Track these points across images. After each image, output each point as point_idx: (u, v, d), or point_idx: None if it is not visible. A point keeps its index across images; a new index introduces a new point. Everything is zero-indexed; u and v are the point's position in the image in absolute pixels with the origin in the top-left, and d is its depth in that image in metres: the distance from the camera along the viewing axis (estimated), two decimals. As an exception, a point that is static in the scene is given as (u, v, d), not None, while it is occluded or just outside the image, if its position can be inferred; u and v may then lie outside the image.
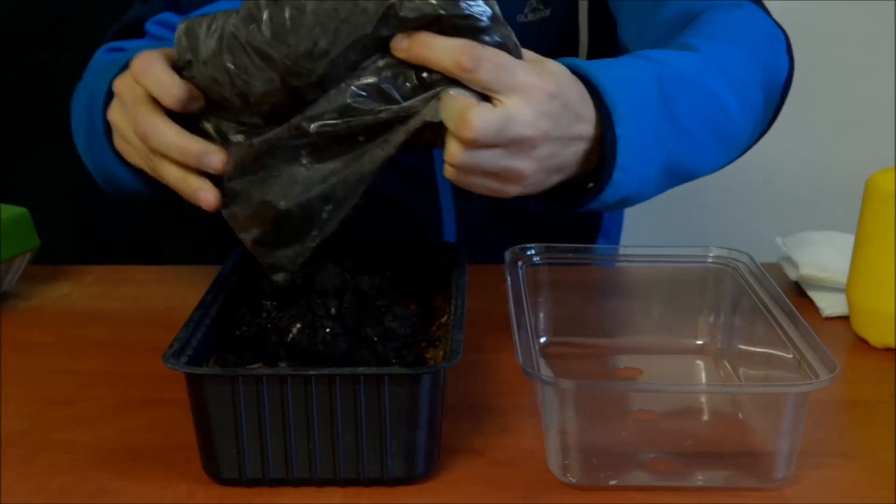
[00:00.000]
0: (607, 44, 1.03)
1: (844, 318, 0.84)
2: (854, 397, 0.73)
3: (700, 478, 0.62)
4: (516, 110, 0.61)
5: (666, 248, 0.78)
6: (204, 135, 0.66)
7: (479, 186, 0.64)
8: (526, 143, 0.62)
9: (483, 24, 0.61)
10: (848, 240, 0.86)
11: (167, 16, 0.91)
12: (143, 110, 0.65)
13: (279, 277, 0.67)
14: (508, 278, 0.73)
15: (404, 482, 0.61)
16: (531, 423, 0.68)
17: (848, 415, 0.72)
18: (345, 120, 0.61)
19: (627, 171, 0.68)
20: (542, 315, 0.79)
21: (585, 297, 0.81)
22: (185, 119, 0.66)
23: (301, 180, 0.64)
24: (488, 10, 0.61)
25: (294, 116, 0.63)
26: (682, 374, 0.77)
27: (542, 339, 0.79)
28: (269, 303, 0.70)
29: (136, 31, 0.92)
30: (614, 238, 1.17)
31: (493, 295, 0.80)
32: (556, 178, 0.67)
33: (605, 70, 0.68)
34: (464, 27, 0.60)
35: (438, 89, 0.61)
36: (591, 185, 0.69)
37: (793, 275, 0.91)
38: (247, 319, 0.70)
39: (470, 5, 0.60)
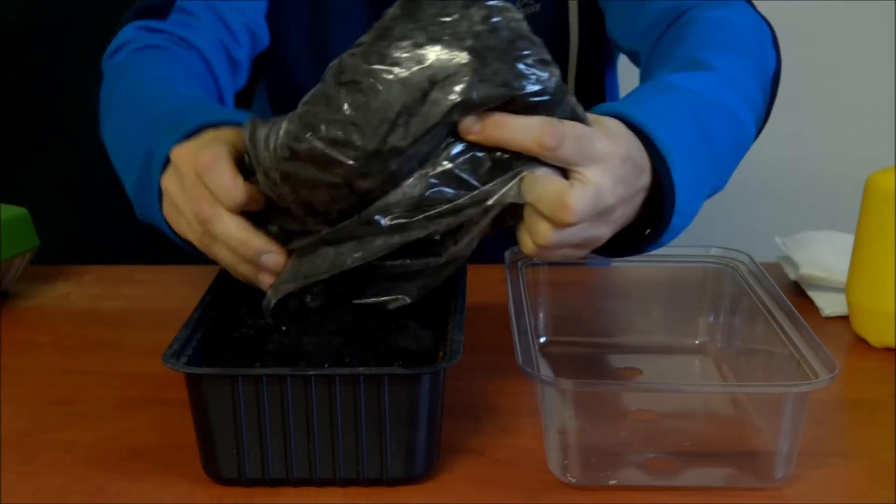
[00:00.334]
0: (597, 39, 1.03)
1: (844, 318, 0.84)
2: (854, 397, 0.73)
3: (700, 478, 0.62)
4: (601, 183, 0.60)
5: (665, 248, 0.78)
6: (266, 231, 0.63)
7: (559, 257, 0.63)
8: (607, 212, 0.61)
9: (555, 98, 0.58)
10: (848, 240, 0.86)
11: None
12: (207, 198, 0.62)
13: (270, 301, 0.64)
14: (508, 278, 0.73)
15: (404, 482, 0.61)
16: (531, 422, 0.68)
17: (848, 414, 0.72)
18: (420, 210, 0.58)
19: (684, 215, 0.68)
20: (541, 315, 0.79)
21: (585, 296, 0.81)
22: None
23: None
24: (555, 82, 0.58)
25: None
26: (682, 373, 0.77)
27: (542, 339, 0.79)
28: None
29: (160, 10, 0.92)
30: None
31: (493, 295, 0.80)
32: (619, 229, 0.66)
33: (650, 114, 0.67)
34: (536, 104, 0.58)
35: (518, 170, 0.58)
36: (649, 231, 0.68)
37: (792, 275, 0.91)
38: (247, 320, 0.70)
39: (541, 80, 0.57)
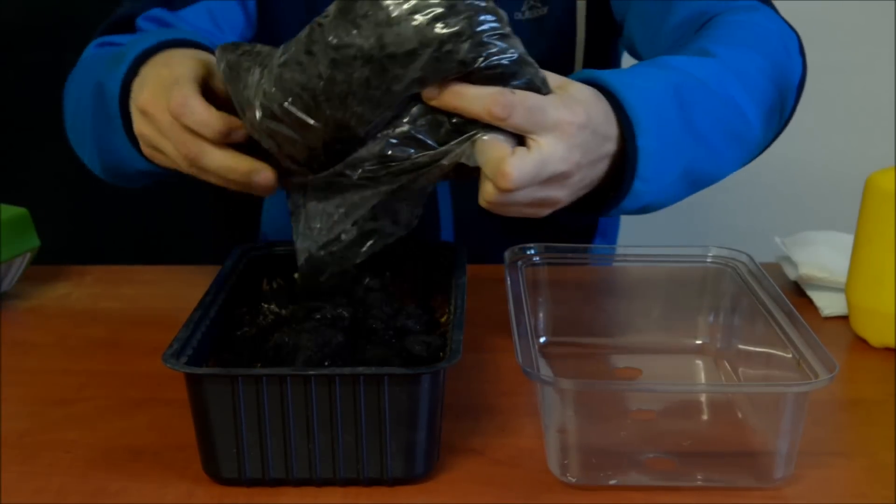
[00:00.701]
0: (604, 42, 1.03)
1: (844, 318, 0.84)
2: (853, 397, 0.73)
3: (699, 477, 0.62)
4: (550, 150, 0.62)
5: (665, 248, 0.78)
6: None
7: (513, 213, 0.66)
8: (560, 177, 0.64)
9: (511, 69, 0.62)
10: (847, 240, 0.86)
11: (158, 12, 0.91)
12: (188, 137, 0.66)
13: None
14: (508, 278, 0.73)
15: (404, 482, 0.61)
16: (531, 422, 0.68)
17: (847, 414, 0.72)
18: (384, 166, 0.64)
19: (648, 181, 0.69)
20: (541, 315, 0.79)
21: (585, 296, 0.81)
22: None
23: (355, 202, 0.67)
24: (514, 55, 0.62)
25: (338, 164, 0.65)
26: (682, 373, 0.77)
27: (542, 339, 0.79)
28: (267, 305, 0.70)
29: (126, 27, 0.91)
30: (611, 238, 1.17)
31: (493, 295, 0.80)
32: (582, 193, 0.68)
33: (626, 81, 0.69)
34: (493, 75, 0.61)
35: (472, 133, 0.62)
36: (612, 194, 0.70)
37: (792, 274, 0.91)
38: (247, 320, 0.70)
39: (497, 55, 0.61)
